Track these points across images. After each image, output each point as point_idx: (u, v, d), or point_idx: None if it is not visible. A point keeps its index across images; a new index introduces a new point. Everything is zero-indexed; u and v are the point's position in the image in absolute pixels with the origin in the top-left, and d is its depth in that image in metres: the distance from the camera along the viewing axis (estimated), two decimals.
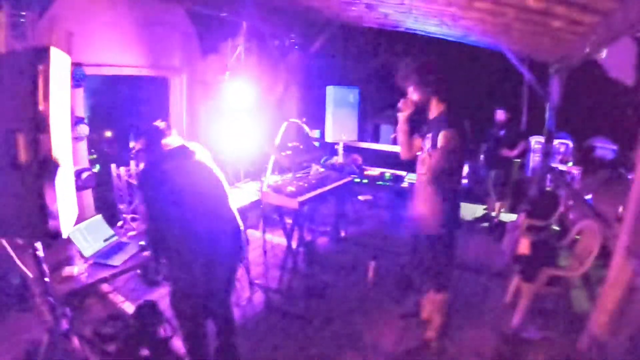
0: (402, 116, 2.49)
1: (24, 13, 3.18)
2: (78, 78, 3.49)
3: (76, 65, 3.50)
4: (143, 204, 2.01)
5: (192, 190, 2.03)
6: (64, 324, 2.18)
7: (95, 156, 7.03)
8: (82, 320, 2.95)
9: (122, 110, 6.37)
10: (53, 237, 1.83)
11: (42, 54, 1.78)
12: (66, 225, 1.92)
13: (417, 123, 2.55)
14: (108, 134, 7.18)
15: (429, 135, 2.36)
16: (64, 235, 1.87)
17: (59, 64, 1.96)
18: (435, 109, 2.42)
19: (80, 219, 3.00)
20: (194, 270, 2.03)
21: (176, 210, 1.97)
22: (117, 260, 2.61)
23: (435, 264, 2.52)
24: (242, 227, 2.27)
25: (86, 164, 3.84)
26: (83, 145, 3.86)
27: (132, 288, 3.43)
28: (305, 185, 3.16)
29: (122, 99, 6.45)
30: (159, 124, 2.17)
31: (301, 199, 2.92)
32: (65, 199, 2.00)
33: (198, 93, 5.02)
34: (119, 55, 4.15)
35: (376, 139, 8.35)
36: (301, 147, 3.32)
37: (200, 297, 2.11)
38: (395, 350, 2.78)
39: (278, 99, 6.01)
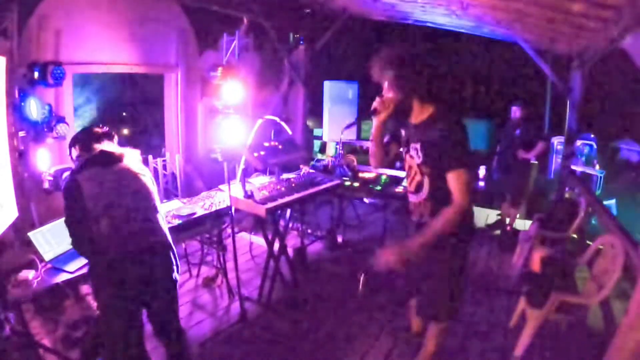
0: (377, 120, 1.95)
1: (8, 12, 3.10)
2: (57, 77, 3.37)
3: (56, 64, 3.39)
4: (65, 211, 1.87)
5: (110, 201, 1.87)
6: (7, 330, 2.07)
7: None
8: (57, 322, 2.85)
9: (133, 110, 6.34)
10: None
11: None
12: None
13: (395, 129, 2.08)
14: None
15: (416, 145, 1.87)
16: None
17: None
18: (419, 112, 1.88)
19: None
20: (115, 285, 1.87)
21: (92, 221, 1.83)
22: (73, 266, 2.44)
23: (445, 294, 1.99)
24: (171, 244, 2.05)
25: (71, 164, 3.74)
26: (66, 145, 3.76)
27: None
28: (283, 189, 2.88)
29: (133, 99, 6.42)
30: (97, 129, 2.06)
31: (270, 205, 2.65)
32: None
33: (194, 90, 4.87)
34: (111, 53, 4.05)
35: None
36: (280, 147, 3.05)
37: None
38: None
39: (282, 96, 5.78)
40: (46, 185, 3.44)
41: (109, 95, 5.54)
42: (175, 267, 2.05)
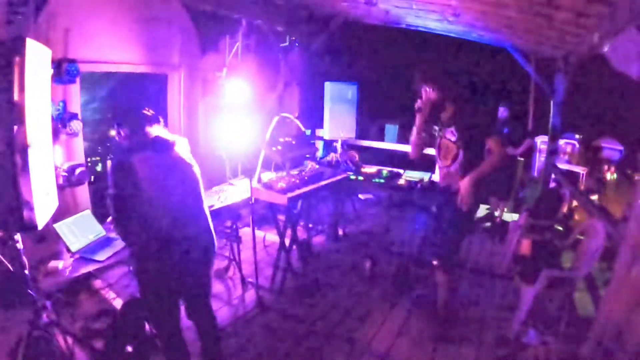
0: (420, 116, 2.65)
1: (19, 10, 3.17)
2: (72, 74, 3.45)
3: (70, 61, 3.47)
4: (111, 191, 1.89)
5: (162, 185, 1.94)
6: (44, 318, 2.14)
7: (99, 158, 7.04)
8: (73, 315, 2.93)
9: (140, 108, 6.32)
10: (28, 228, 1.79)
11: (17, 46, 1.75)
12: (42, 216, 1.88)
13: (429, 124, 2.72)
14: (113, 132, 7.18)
15: (451, 129, 2.61)
16: (39, 227, 1.83)
17: (37, 56, 1.93)
18: (450, 109, 2.64)
19: (75, 214, 2.99)
20: (159, 267, 1.96)
21: (142, 204, 1.89)
22: (102, 255, 2.57)
23: (450, 244, 2.72)
24: (213, 232, 2.16)
25: (82, 160, 3.82)
26: (79, 141, 3.84)
27: (125, 284, 3.39)
28: (297, 181, 3.08)
29: (145, 98, 6.41)
30: (147, 111, 2.08)
31: (290, 195, 2.85)
32: (43, 191, 1.95)
33: (196, 90, 4.99)
34: (117, 52, 4.12)
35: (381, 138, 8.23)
36: (293, 142, 3.24)
37: (167, 290, 2.05)
38: (388, 352, 2.69)
39: (278, 96, 5.95)
40: (60, 180, 3.52)
41: (109, 95, 5.59)
42: (214, 253, 2.17)
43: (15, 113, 1.68)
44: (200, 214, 2.11)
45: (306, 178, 3.19)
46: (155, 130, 2.03)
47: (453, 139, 2.61)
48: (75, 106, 3.80)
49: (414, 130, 2.75)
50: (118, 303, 3.15)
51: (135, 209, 1.90)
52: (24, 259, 2.00)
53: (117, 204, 1.90)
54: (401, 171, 4.23)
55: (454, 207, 2.61)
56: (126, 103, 5.83)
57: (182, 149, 2.09)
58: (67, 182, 3.55)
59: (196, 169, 2.13)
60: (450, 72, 2.64)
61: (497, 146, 2.52)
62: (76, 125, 3.61)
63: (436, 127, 2.73)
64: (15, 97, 1.71)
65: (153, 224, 1.92)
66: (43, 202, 1.91)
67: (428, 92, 2.60)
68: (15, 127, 1.71)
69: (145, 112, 2.07)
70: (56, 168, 3.51)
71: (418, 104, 2.64)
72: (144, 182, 1.87)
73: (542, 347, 2.64)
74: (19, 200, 1.67)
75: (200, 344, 2.29)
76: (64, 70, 3.41)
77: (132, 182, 1.85)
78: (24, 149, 1.75)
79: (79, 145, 3.83)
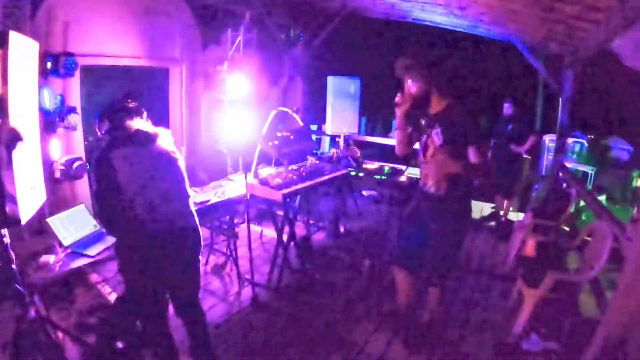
0: (399, 111, 2.41)
1: (18, 3, 3.14)
2: (69, 68, 3.43)
3: (67, 55, 3.45)
4: (94, 187, 1.87)
5: (143, 181, 1.89)
6: (32, 313, 2.11)
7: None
8: (68, 310, 2.91)
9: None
10: (11, 223, 1.75)
11: (0, 39, 1.71)
12: (27, 211, 1.84)
13: (415, 118, 2.45)
14: None
15: (437, 130, 2.27)
16: (23, 222, 1.79)
17: (22, 49, 1.88)
18: (437, 104, 2.34)
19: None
20: (143, 262, 1.93)
21: (124, 200, 1.85)
22: (94, 250, 2.54)
23: (443, 259, 2.45)
24: (199, 228, 2.11)
25: (81, 154, 3.80)
26: (78, 135, 3.82)
27: (121, 279, 3.36)
28: (294, 177, 3.02)
29: (132, 93, 6.41)
30: (127, 104, 2.02)
31: (286, 191, 2.79)
32: (28, 185, 1.92)
33: (198, 84, 4.95)
34: (117, 45, 4.10)
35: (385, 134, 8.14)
36: (291, 137, 3.18)
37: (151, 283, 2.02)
38: (384, 354, 2.62)
39: (281, 90, 5.89)
40: (57, 174, 3.51)
41: (108, 89, 5.56)
42: (200, 249, 2.12)
43: None
44: (185, 209, 2.05)
45: (304, 174, 3.13)
46: (137, 124, 1.97)
47: (438, 142, 2.29)
48: (74, 100, 3.78)
49: (396, 126, 2.53)
50: (113, 298, 3.13)
51: (117, 205, 1.86)
52: (12, 253, 1.96)
53: (100, 201, 1.88)
54: (404, 167, 4.14)
55: (441, 215, 2.37)
56: (137, 97, 5.80)
57: (165, 142, 2.02)
58: (65, 176, 3.54)
59: (181, 163, 2.06)
60: (437, 62, 2.27)
61: (476, 154, 2.19)
62: (74, 118, 3.59)
63: (423, 121, 2.43)
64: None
65: (136, 219, 1.88)
66: (28, 197, 1.87)
67: (409, 85, 2.34)
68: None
69: (125, 104, 2.00)
70: (53, 162, 3.50)
71: (398, 97, 2.39)
72: (124, 178, 1.84)
73: (543, 354, 2.55)
74: (1, 195, 1.63)
75: (189, 341, 2.24)
76: (61, 64, 3.39)
77: (112, 178, 1.82)
78: (8, 143, 1.71)
79: (78, 138, 3.82)
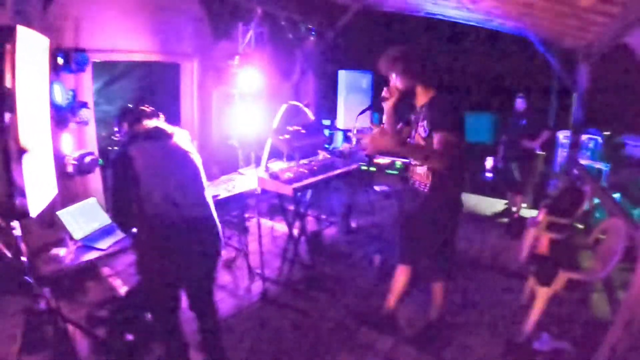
0: (387, 105, 2.41)
1: None
2: (81, 63, 3.46)
3: (79, 51, 3.48)
4: (111, 181, 1.91)
5: (160, 172, 1.92)
6: (42, 305, 2.14)
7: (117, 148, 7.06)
8: (79, 302, 2.95)
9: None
10: (20, 216, 1.78)
11: (8, 34, 1.72)
12: (36, 204, 1.87)
13: (403, 111, 2.44)
14: None
15: (423, 123, 2.24)
16: (33, 215, 1.81)
17: (31, 44, 1.90)
18: (423, 97, 2.32)
19: None
20: (160, 257, 1.93)
21: (141, 193, 1.87)
22: (105, 243, 2.57)
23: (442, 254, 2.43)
24: (217, 220, 2.12)
25: (93, 148, 3.84)
26: (90, 130, 3.86)
27: (132, 272, 3.40)
28: (305, 171, 3.02)
29: (144, 89, 6.44)
30: (145, 108, 2.10)
31: (296, 185, 2.78)
32: (37, 179, 1.94)
33: (209, 78, 4.96)
34: (130, 41, 4.13)
35: None
36: (303, 131, 3.17)
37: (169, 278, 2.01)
38: (392, 352, 2.60)
39: (293, 85, 5.88)
40: (70, 169, 3.56)
41: (120, 85, 5.61)
42: (220, 243, 2.12)
43: (6, 101, 1.66)
44: (203, 202, 2.06)
45: (315, 168, 3.12)
46: (154, 123, 2.04)
47: (424, 135, 2.24)
48: (86, 95, 3.82)
49: (384, 121, 2.50)
50: (124, 291, 3.16)
51: (135, 197, 1.89)
52: (22, 245, 1.99)
53: (115, 198, 1.92)
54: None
55: (429, 209, 2.34)
56: (149, 92, 5.84)
57: (181, 139, 2.06)
58: (77, 171, 3.58)
59: (196, 157, 2.09)
60: (423, 55, 2.26)
61: (439, 143, 2.08)
62: (86, 113, 3.63)
63: (412, 116, 2.41)
64: (8, 84, 1.69)
65: (153, 213, 1.89)
66: (38, 190, 1.89)
67: (394, 80, 2.32)
68: (8, 115, 1.69)
69: (143, 108, 2.09)
70: (65, 156, 3.54)
71: (384, 92, 2.39)
72: (141, 170, 1.86)
73: (553, 354, 2.51)
74: (10, 187, 1.66)
75: (200, 335, 2.26)
76: (72, 60, 3.43)
77: (130, 172, 1.85)
78: (16, 136, 1.73)
79: (90, 133, 3.85)
